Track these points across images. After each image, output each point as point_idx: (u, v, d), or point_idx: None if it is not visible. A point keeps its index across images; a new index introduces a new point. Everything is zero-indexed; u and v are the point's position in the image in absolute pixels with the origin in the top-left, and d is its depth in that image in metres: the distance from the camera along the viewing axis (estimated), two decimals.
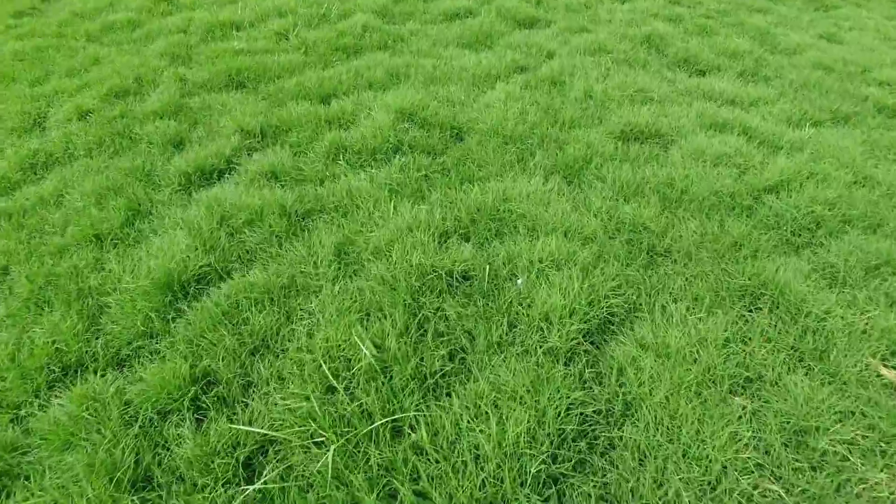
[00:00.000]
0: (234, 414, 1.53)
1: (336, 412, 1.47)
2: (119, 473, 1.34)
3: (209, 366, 1.64)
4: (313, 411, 1.46)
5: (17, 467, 1.41)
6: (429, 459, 1.38)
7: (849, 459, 1.43)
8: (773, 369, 1.67)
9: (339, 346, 1.67)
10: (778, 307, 1.89)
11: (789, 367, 1.68)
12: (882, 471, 1.40)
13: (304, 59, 3.77)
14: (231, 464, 1.39)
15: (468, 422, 1.48)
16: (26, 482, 1.36)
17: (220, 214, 2.20)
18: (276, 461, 1.43)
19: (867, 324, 1.81)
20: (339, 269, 1.99)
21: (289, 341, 1.74)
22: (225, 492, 1.34)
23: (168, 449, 1.44)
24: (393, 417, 1.48)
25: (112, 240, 2.19)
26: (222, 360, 1.65)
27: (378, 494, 1.28)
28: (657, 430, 1.48)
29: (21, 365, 1.66)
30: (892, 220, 2.34)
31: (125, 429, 1.47)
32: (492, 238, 2.17)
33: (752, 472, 1.40)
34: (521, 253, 2.03)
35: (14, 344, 1.74)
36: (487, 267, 1.95)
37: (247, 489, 1.34)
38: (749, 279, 1.98)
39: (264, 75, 3.47)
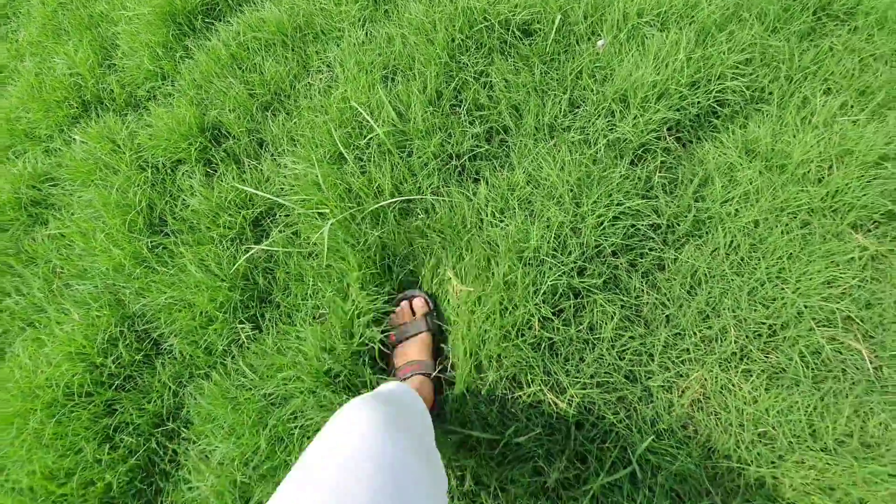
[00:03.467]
0: (244, 173, 1.42)
1: (343, 184, 1.30)
2: (133, 215, 1.35)
3: (218, 117, 1.47)
4: (318, 180, 1.29)
5: (50, 197, 1.47)
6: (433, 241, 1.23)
7: None
8: None
9: (357, 108, 1.39)
10: None
11: None
12: None
13: None
14: (238, 221, 1.33)
15: (491, 214, 1.25)
16: (57, 213, 1.43)
17: None
18: (285, 225, 1.35)
19: None
20: (367, 7, 1.55)
21: (303, 98, 1.49)
22: (231, 246, 1.31)
23: (179, 199, 1.40)
24: (404, 199, 1.28)
25: None
26: (232, 113, 1.47)
27: (365, 272, 1.18)
28: (727, 258, 1.17)
29: (44, 99, 1.59)
30: None
31: (138, 172, 1.43)
32: None
33: (836, 326, 1.10)
34: (614, 0, 1.42)
35: (36, 74, 1.65)
36: (559, 18, 1.41)
37: (251, 248, 1.30)
38: None
39: None
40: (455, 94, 1.40)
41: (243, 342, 1.21)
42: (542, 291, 1.12)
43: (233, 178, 1.38)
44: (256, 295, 1.25)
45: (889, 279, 1.12)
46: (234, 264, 1.25)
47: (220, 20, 1.64)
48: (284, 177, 1.38)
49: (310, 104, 1.45)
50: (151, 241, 1.33)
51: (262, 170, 1.41)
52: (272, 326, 1.21)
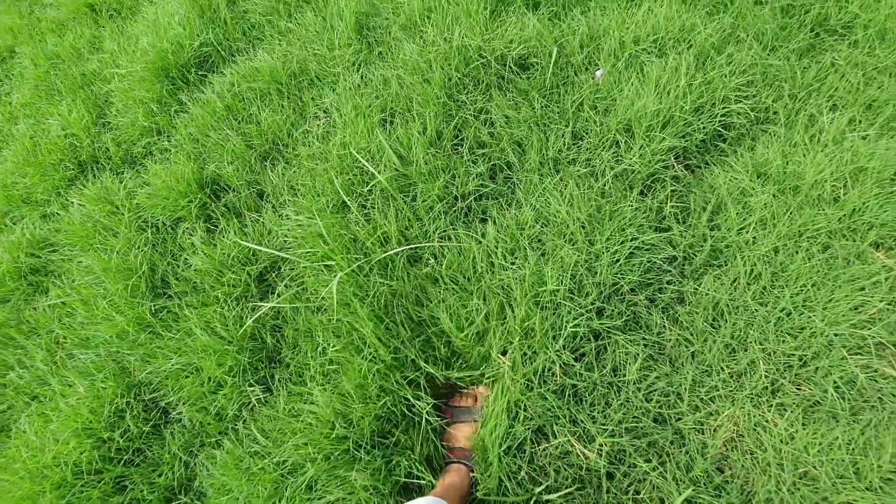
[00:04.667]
0: (245, 227, 1.39)
1: (348, 234, 1.27)
2: (135, 280, 1.31)
3: (216, 171, 1.45)
4: (322, 232, 1.27)
5: (50, 264, 1.45)
6: (446, 291, 1.19)
7: None
8: None
9: (357, 154, 1.37)
10: None
11: None
12: None
13: None
14: (243, 278, 1.30)
15: (502, 256, 1.21)
16: (57, 281, 1.40)
17: None
18: (291, 279, 1.32)
19: None
20: (361, 50, 1.54)
21: (302, 146, 1.47)
22: (237, 305, 1.28)
23: (182, 258, 1.37)
24: (411, 246, 1.25)
25: (106, 11, 1.85)
26: (230, 166, 1.45)
27: (380, 328, 1.14)
28: (749, 288, 1.13)
29: (40, 162, 1.58)
30: None
31: (138, 234, 1.40)
32: (571, 5, 1.52)
33: (869, 353, 1.06)
34: (610, 29, 1.41)
35: (31, 137, 1.64)
36: (555, 50, 1.39)
37: (258, 306, 1.27)
38: None
39: None
40: (456, 134, 1.38)
41: (254, 405, 1.17)
42: (562, 336, 1.09)
43: (234, 234, 1.35)
44: (265, 355, 1.21)
45: None
46: (240, 325, 1.21)
47: (214, 72, 1.63)
48: (287, 228, 1.35)
49: (309, 152, 1.43)
50: (155, 305, 1.30)
51: (263, 222, 1.38)
52: (282, 388, 1.17)
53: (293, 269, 1.32)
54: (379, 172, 1.32)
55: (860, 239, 1.15)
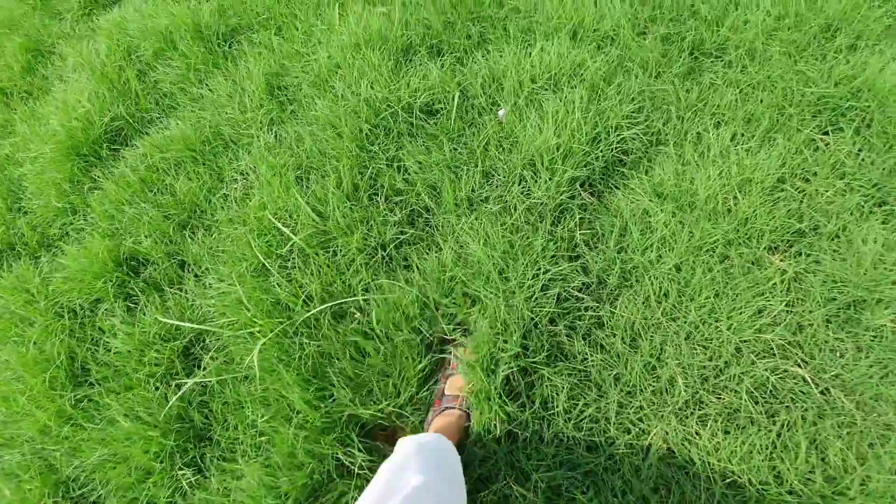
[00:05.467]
0: (167, 301, 1.36)
1: (269, 297, 1.26)
2: (53, 371, 1.26)
3: (134, 246, 1.42)
4: (243, 298, 1.25)
5: None
6: (375, 347, 1.19)
7: None
8: (836, 217, 1.23)
9: (276, 214, 1.37)
10: (869, 126, 1.33)
11: (861, 214, 1.23)
12: None
13: None
14: (166, 355, 1.27)
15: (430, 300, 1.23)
16: None
17: (125, 46, 1.72)
18: (216, 350, 1.30)
19: None
20: (273, 110, 1.56)
21: (221, 210, 1.46)
22: (162, 385, 1.24)
23: (102, 342, 1.33)
24: (335, 303, 1.25)
25: (18, 94, 1.82)
26: (148, 239, 1.42)
27: (311, 390, 1.13)
28: (659, 306, 1.18)
29: None
30: None
31: (56, 320, 1.35)
32: (471, 49, 1.59)
33: (774, 354, 1.12)
34: (508, 70, 1.48)
35: None
36: (457, 94, 1.45)
37: (183, 383, 1.23)
38: (837, 84, 1.38)
39: None
40: (371, 184, 1.41)
41: (186, 491, 1.12)
42: (498, 379, 1.10)
43: (155, 310, 1.32)
44: (194, 434, 1.18)
45: (812, 298, 1.15)
46: (165, 406, 1.17)
47: (127, 145, 1.61)
48: (210, 298, 1.33)
49: (228, 216, 1.42)
50: (76, 395, 1.24)
51: (185, 293, 1.36)
52: (213, 467, 1.13)
53: (219, 339, 1.30)
54: (297, 231, 1.33)
55: (755, 245, 1.22)
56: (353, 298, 1.25)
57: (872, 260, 1.17)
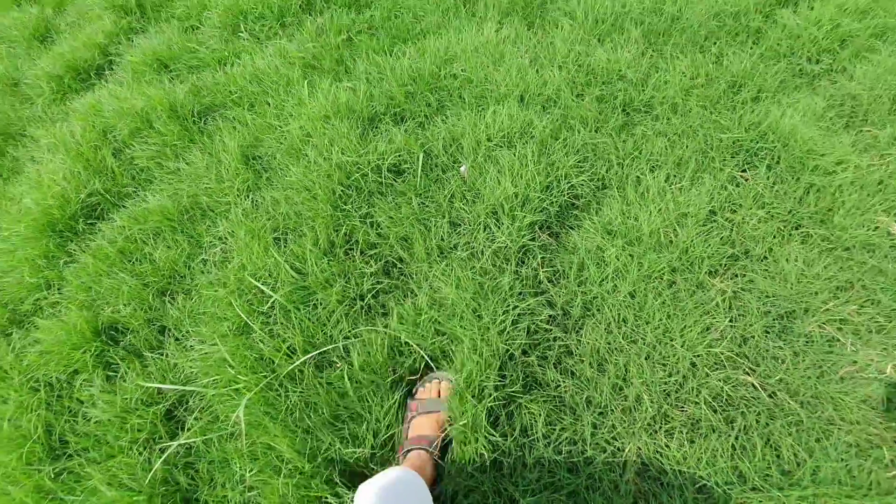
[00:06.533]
0: (147, 366, 1.37)
1: (253, 354, 1.30)
2: (30, 445, 1.23)
3: (112, 315, 1.44)
4: (226, 357, 1.29)
5: None
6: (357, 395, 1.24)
7: (838, 341, 1.24)
8: (762, 242, 1.41)
9: (255, 275, 1.44)
10: (778, 163, 1.55)
11: (783, 237, 1.42)
12: (874, 349, 1.23)
13: None
14: (149, 420, 1.26)
15: (409, 342, 1.30)
16: None
17: (100, 127, 1.81)
18: (200, 410, 1.30)
19: (886, 171, 1.49)
20: (249, 178, 1.66)
21: (200, 274, 1.51)
22: (145, 450, 1.23)
23: (80, 413, 1.31)
24: (317, 352, 1.30)
25: None
26: (127, 307, 1.45)
27: (295, 440, 1.16)
28: (619, 331, 1.29)
29: None
30: None
31: (31, 395, 1.33)
32: (431, 115, 1.77)
33: (725, 366, 1.23)
34: (466, 131, 1.65)
35: None
36: (422, 155, 1.60)
37: (167, 446, 1.23)
38: (747, 130, 1.61)
39: None
40: (346, 240, 1.50)
41: None
42: (483, 413, 1.16)
43: (136, 375, 1.33)
44: (180, 497, 1.16)
45: (751, 312, 1.29)
46: (149, 471, 1.17)
47: (104, 219, 1.66)
48: (192, 359, 1.35)
49: (208, 279, 1.47)
50: (54, 469, 1.21)
51: (166, 357, 1.37)
52: None
53: (202, 399, 1.31)
54: (278, 288, 1.39)
55: (697, 271, 1.37)
56: (333, 346, 1.31)
57: (796, 275, 1.33)
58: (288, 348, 1.30)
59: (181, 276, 1.51)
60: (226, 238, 1.55)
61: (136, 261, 1.53)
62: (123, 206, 1.66)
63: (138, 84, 1.93)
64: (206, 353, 1.33)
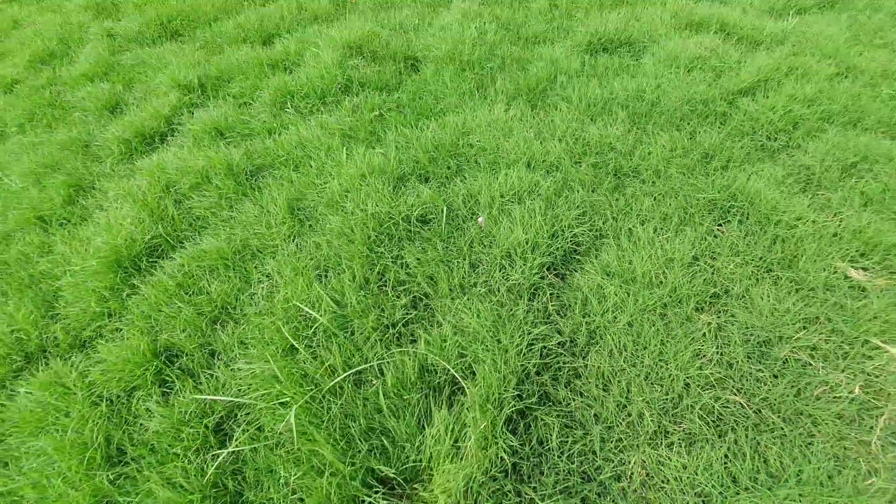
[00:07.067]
0: (200, 384, 1.53)
1: (298, 371, 1.47)
2: (90, 452, 1.36)
3: (169, 339, 1.62)
4: (276, 373, 1.45)
5: None
6: (391, 408, 1.39)
7: (810, 365, 1.43)
8: (739, 283, 1.64)
9: (300, 304, 1.64)
10: (748, 218, 1.83)
11: (756, 279, 1.65)
12: (843, 372, 1.41)
13: None
14: (201, 431, 1.40)
15: (438, 362, 1.47)
16: (3, 469, 1.39)
17: (164, 182, 2.09)
18: (247, 423, 1.44)
19: (839, 225, 1.76)
20: (294, 226, 1.91)
21: (249, 306, 1.71)
22: (197, 458, 1.35)
23: (138, 424, 1.45)
24: (355, 370, 1.47)
25: (57, 221, 2.10)
26: (183, 333, 1.63)
27: (337, 447, 1.30)
28: (621, 355, 1.48)
29: None
30: (872, 112, 2.22)
31: (92, 408, 1.47)
32: (452, 176, 2.07)
33: (714, 387, 1.41)
34: (482, 189, 1.94)
35: None
36: (446, 208, 1.87)
37: (219, 453, 1.36)
38: (719, 192, 1.90)
39: (199, 19, 3.18)
40: (379, 277, 1.72)
41: None
42: (501, 420, 1.32)
43: (190, 392, 1.48)
44: (229, 500, 1.28)
45: (734, 341, 1.49)
46: (202, 475, 1.29)
47: (164, 258, 1.88)
48: (240, 378, 1.51)
49: (256, 310, 1.67)
50: (111, 474, 1.33)
51: (217, 377, 1.53)
52: None
53: (249, 413, 1.46)
54: (320, 317, 1.59)
55: (685, 306, 1.58)
56: (369, 364, 1.48)
57: (770, 310, 1.55)
58: (329, 367, 1.47)
59: (232, 307, 1.71)
60: (273, 275, 1.77)
61: (192, 293, 1.73)
62: (182, 247, 1.89)
63: (198, 148, 2.25)
64: (254, 372, 1.49)
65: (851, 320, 1.50)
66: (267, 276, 1.79)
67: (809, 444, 1.29)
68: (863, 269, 1.65)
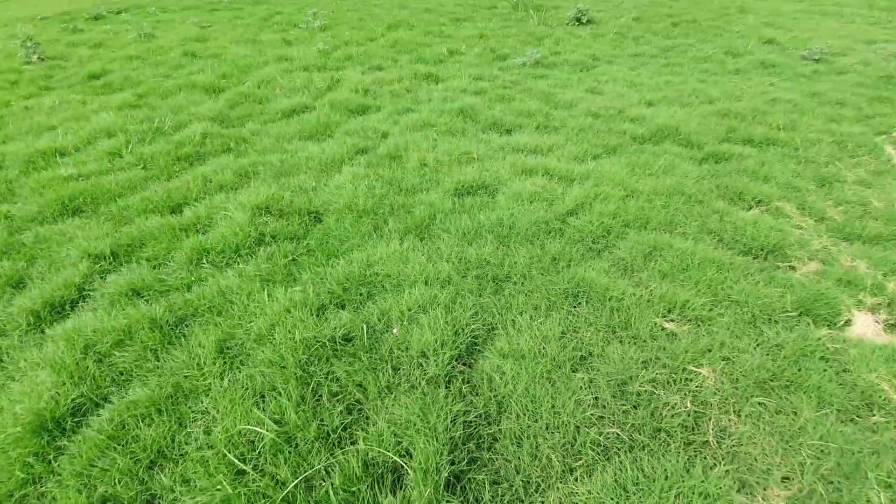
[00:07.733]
0: None
1: (249, 492, 1.57)
2: None
3: (106, 492, 1.61)
4: (226, 496, 1.54)
5: None
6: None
7: (654, 393, 1.94)
8: (597, 345, 2.18)
9: (241, 432, 1.77)
10: (592, 299, 2.46)
11: (608, 340, 2.21)
12: (676, 394, 1.94)
13: (145, 173, 3.78)
14: None
15: (379, 453, 1.69)
16: None
17: (83, 344, 2.15)
18: None
19: (651, 294, 2.46)
20: (225, 363, 2.09)
21: (186, 444, 1.78)
22: None
23: None
24: (303, 476, 1.62)
25: None
26: (119, 484, 1.64)
27: None
28: (525, 415, 1.85)
29: None
30: (654, 217, 3.18)
31: None
32: (364, 301, 2.45)
33: (596, 424, 1.83)
34: (392, 307, 2.34)
35: None
36: (364, 326, 2.22)
37: None
38: (568, 283, 2.54)
39: (103, 197, 3.41)
40: (314, 393, 1.94)
41: None
42: (441, 486, 1.55)
43: None
44: None
45: (603, 388, 1.96)
46: None
47: (90, 414, 1.89)
48: None
49: (195, 446, 1.75)
50: None
51: None
52: None
53: None
54: (262, 438, 1.74)
55: (564, 369, 2.05)
56: (314, 470, 1.65)
57: (620, 359, 2.08)
58: (280, 480, 1.61)
59: (169, 449, 1.77)
60: (209, 410, 1.89)
61: (125, 443, 1.76)
62: (109, 402, 1.93)
63: (115, 309, 2.36)
64: (209, 496, 1.56)
65: (672, 356, 2.08)
66: (203, 413, 1.90)
67: (668, 450, 1.73)
68: (672, 320, 2.31)
